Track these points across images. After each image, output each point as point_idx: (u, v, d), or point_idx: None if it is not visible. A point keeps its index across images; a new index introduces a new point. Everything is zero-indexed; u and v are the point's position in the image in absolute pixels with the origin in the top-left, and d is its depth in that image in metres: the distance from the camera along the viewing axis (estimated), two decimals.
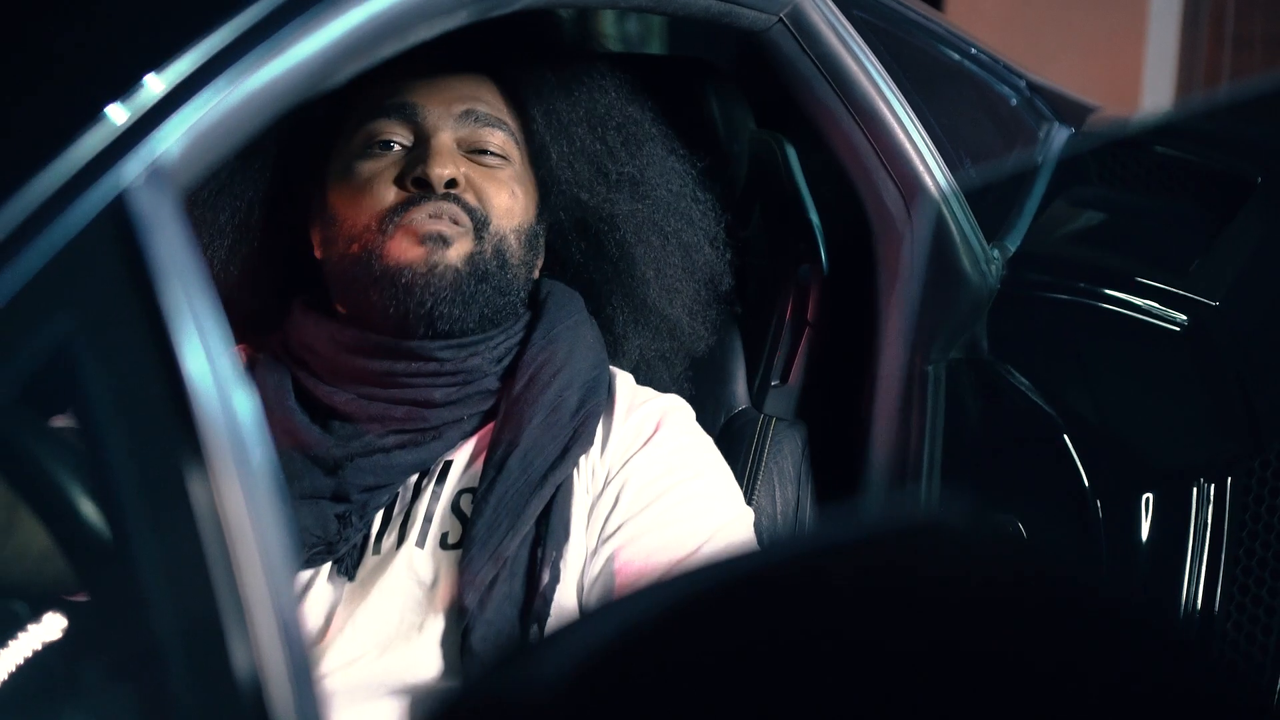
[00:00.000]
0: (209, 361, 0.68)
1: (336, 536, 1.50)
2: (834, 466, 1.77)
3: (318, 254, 1.57)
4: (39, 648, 0.74)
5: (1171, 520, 1.71)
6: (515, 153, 1.57)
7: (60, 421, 1.42)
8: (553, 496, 1.49)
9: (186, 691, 0.67)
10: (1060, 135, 2.28)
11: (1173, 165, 2.26)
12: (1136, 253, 1.91)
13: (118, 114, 0.69)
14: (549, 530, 1.48)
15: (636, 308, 1.66)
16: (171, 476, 0.66)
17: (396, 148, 1.52)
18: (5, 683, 0.74)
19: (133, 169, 0.68)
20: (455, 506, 1.51)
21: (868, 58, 1.65)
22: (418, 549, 1.49)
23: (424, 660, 1.45)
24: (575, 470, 1.52)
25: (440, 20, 1.05)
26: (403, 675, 1.45)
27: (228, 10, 0.79)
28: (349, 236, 1.51)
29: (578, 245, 1.65)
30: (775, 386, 1.79)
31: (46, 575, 1.15)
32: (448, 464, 1.54)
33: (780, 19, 1.61)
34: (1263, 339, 1.79)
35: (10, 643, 0.76)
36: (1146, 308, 1.75)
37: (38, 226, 0.63)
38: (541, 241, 1.61)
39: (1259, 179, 2.12)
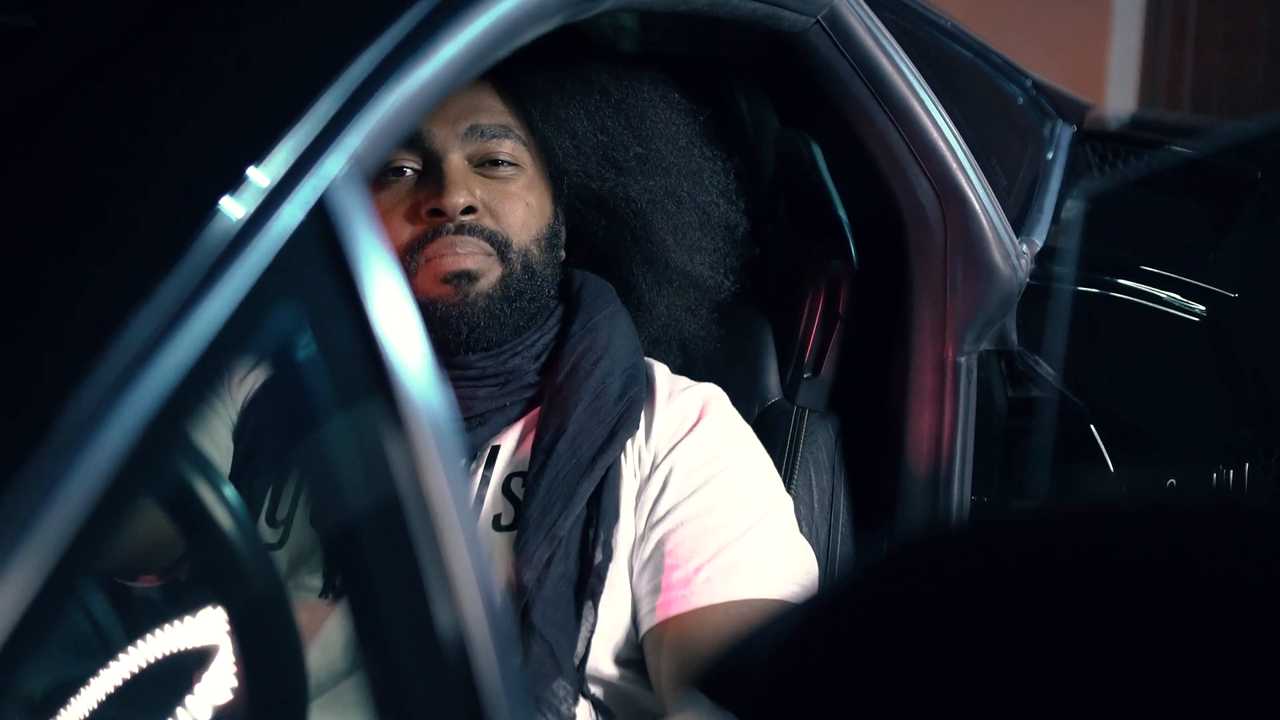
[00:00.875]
0: (405, 343, 0.72)
1: None
2: (865, 456, 1.82)
3: None
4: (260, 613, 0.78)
5: None
6: (525, 155, 1.60)
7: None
8: (602, 479, 1.54)
9: (402, 652, 0.72)
10: (1065, 132, 2.34)
11: (1173, 161, 2.33)
12: (1151, 246, 1.97)
13: (326, 106, 0.73)
14: (600, 511, 1.53)
15: (658, 270, 1.70)
16: (379, 451, 0.70)
17: (409, 173, 1.54)
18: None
19: (333, 166, 0.72)
20: (505, 489, 1.55)
21: (901, 58, 1.70)
22: None
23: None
24: (623, 455, 1.56)
25: (542, 23, 1.08)
26: None
27: (385, 23, 0.83)
28: None
29: (597, 222, 1.69)
30: (807, 379, 1.84)
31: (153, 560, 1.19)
32: (495, 449, 1.58)
33: (817, 21, 1.66)
34: (1277, 330, 1.85)
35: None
36: (1169, 299, 1.81)
37: (259, 226, 0.66)
38: (562, 236, 1.65)
39: (1259, 175, 2.18)
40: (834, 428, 1.81)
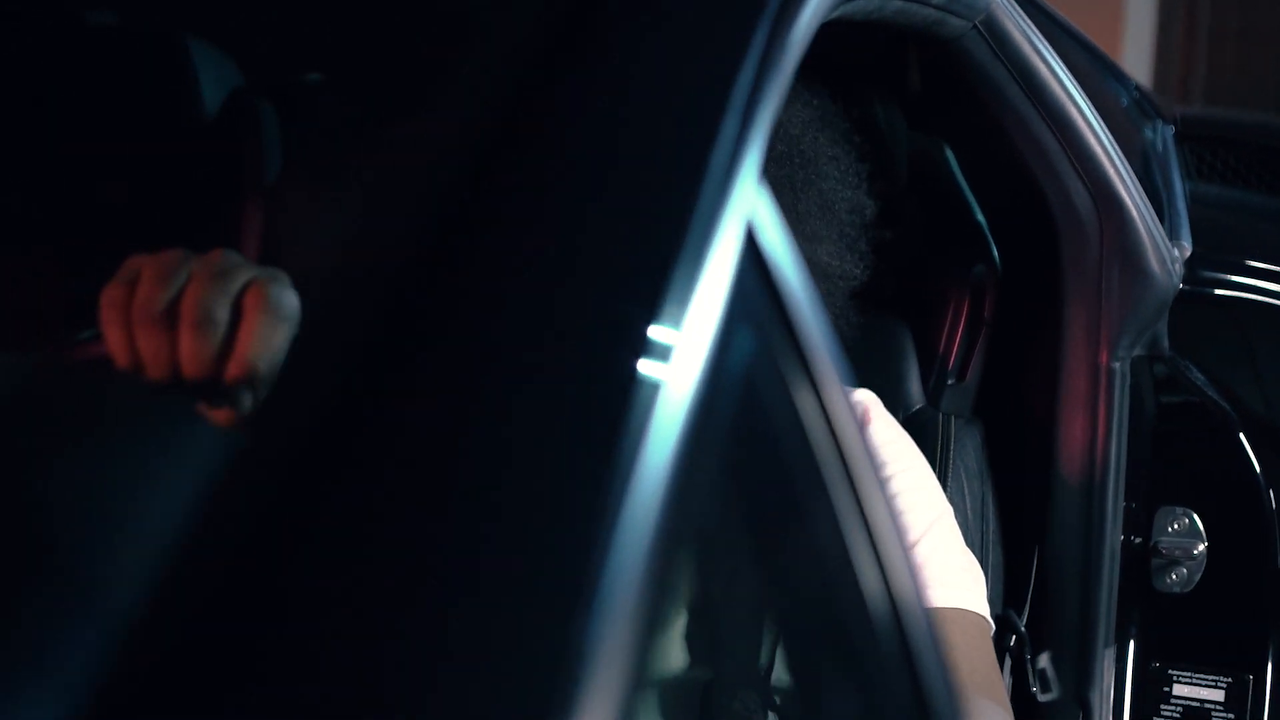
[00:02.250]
0: (825, 356, 0.72)
1: None
2: (1011, 463, 1.81)
3: None
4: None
5: None
6: None
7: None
8: None
9: (847, 616, 0.74)
10: (1166, 133, 2.34)
11: (1270, 159, 2.32)
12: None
13: (730, 130, 0.71)
14: None
15: None
16: (811, 453, 0.70)
17: None
18: None
19: (750, 198, 0.71)
20: None
21: (1057, 62, 1.69)
22: None
23: (674, 652, 1.48)
24: None
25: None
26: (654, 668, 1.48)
27: (748, 40, 0.81)
28: None
29: None
30: (951, 385, 1.82)
31: None
32: None
33: (975, 25, 1.64)
34: None
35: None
36: None
37: (706, 262, 0.65)
38: None
39: None
40: (980, 433, 1.80)
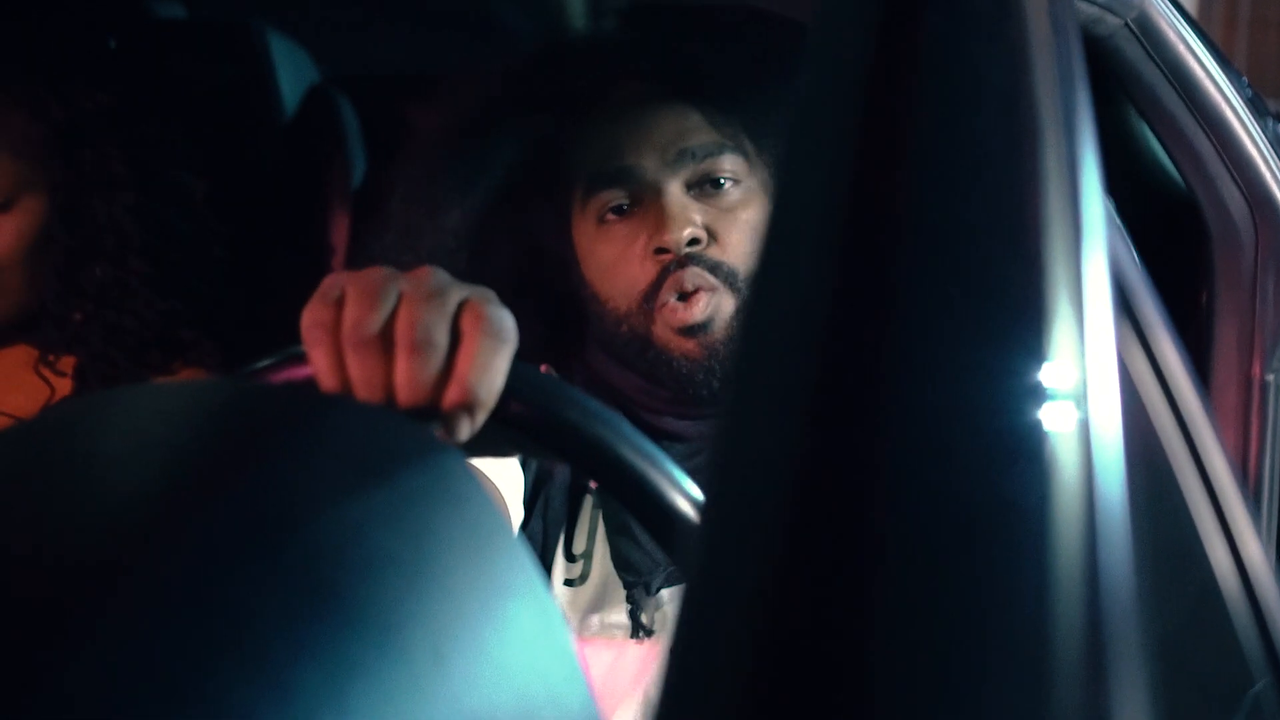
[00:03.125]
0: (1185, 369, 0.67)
1: None
2: None
3: (592, 314, 1.53)
4: None
5: None
6: (743, 166, 1.49)
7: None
8: None
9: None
10: (1277, 129, 2.27)
11: None
12: None
13: (1069, 142, 0.65)
14: None
15: None
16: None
17: (629, 211, 1.46)
18: None
19: (1103, 216, 0.65)
20: None
21: (1210, 62, 1.62)
22: None
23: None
24: None
25: None
26: None
27: (1061, 53, 0.74)
28: (615, 318, 1.48)
29: None
30: None
31: None
32: None
33: (1127, 23, 1.57)
34: None
35: None
36: None
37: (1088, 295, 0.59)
38: None
39: None
40: None
